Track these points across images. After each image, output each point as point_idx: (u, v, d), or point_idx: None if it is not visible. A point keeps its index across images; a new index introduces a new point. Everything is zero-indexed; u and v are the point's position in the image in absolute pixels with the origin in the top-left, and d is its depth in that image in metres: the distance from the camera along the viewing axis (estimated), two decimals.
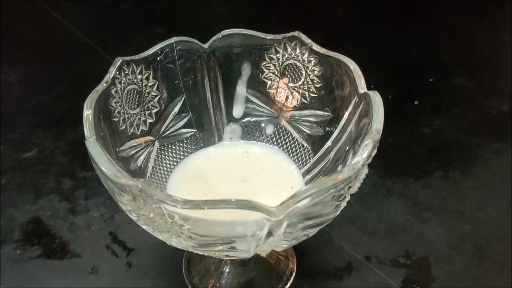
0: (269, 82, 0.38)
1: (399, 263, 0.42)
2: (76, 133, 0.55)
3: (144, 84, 0.34)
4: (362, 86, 0.31)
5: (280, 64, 0.37)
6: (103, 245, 0.43)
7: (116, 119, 0.32)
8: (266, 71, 0.37)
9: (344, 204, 0.28)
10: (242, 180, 0.36)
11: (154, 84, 0.35)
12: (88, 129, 0.28)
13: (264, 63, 0.37)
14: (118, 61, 0.32)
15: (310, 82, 0.36)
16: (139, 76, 0.34)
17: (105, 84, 0.31)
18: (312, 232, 0.28)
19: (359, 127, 0.31)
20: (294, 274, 0.41)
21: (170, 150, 0.38)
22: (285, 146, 0.39)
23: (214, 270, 0.40)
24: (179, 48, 0.35)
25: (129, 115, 0.34)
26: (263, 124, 0.39)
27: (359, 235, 0.44)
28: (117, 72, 0.32)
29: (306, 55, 0.35)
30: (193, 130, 0.39)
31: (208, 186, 0.36)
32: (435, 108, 0.59)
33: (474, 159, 0.52)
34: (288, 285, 0.41)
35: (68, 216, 0.46)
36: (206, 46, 0.36)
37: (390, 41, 0.73)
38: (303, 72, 0.36)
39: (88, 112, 0.29)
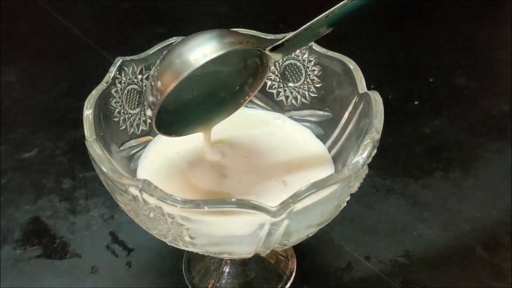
0: (269, 82, 0.38)
1: (399, 263, 0.42)
2: (76, 133, 0.55)
3: (144, 84, 0.34)
4: (362, 86, 0.31)
5: (280, 64, 0.37)
6: (103, 245, 0.43)
7: (116, 119, 0.33)
8: None
9: (344, 204, 0.28)
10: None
11: None
12: (88, 129, 0.28)
13: None
14: (118, 61, 0.32)
15: (310, 82, 0.36)
16: (139, 76, 0.34)
17: (105, 84, 0.31)
18: (312, 232, 0.28)
19: (359, 127, 0.31)
20: (294, 274, 0.41)
21: None
22: None
23: (214, 270, 0.40)
24: None
25: (129, 115, 0.34)
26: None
27: (359, 235, 0.44)
28: (117, 72, 0.32)
29: (306, 55, 0.35)
30: None
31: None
32: (435, 108, 0.59)
33: (474, 159, 0.52)
34: (288, 285, 0.41)
35: (68, 216, 0.46)
36: None
37: (390, 41, 0.72)
38: (303, 72, 0.36)
39: (88, 112, 0.29)
